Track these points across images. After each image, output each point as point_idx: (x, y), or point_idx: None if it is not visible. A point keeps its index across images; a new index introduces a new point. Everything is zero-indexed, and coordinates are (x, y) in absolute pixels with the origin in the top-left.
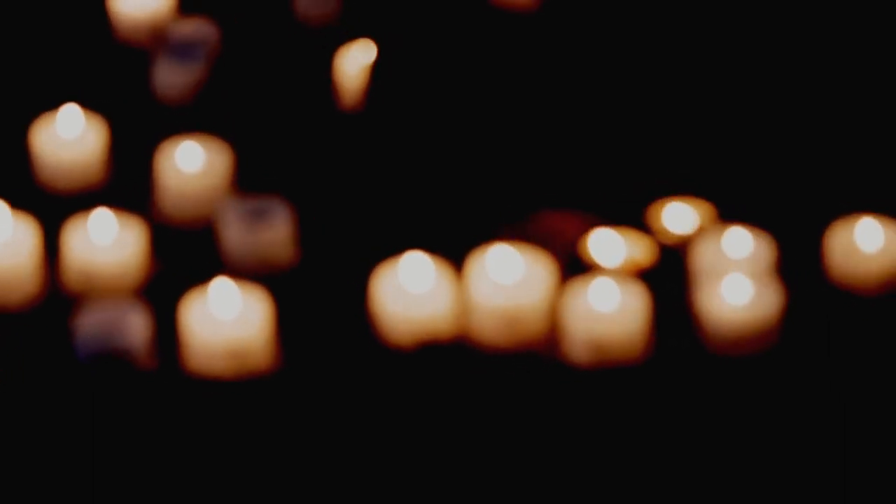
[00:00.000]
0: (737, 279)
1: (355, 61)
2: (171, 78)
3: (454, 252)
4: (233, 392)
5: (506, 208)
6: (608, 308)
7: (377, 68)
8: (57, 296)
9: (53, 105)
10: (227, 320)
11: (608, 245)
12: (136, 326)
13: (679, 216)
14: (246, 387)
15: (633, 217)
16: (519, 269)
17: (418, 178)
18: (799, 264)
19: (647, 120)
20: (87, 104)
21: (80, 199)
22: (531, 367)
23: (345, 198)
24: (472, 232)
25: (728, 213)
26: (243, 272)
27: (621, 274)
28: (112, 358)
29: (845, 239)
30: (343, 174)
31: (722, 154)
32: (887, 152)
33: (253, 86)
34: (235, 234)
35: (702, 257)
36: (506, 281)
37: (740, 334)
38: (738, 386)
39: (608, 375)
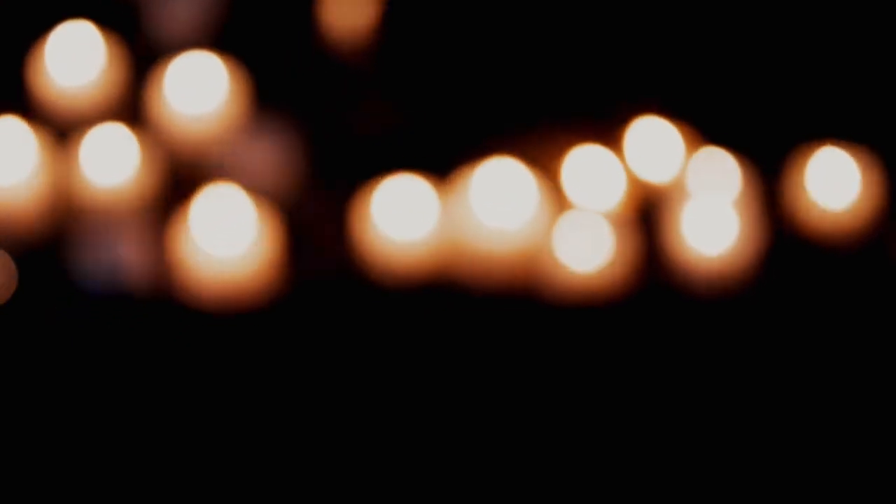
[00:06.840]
0: (707, 207)
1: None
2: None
3: (441, 170)
4: (226, 318)
5: (492, 129)
6: (587, 242)
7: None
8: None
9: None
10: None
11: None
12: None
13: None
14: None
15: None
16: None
17: (411, 102)
18: (769, 192)
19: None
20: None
21: (93, 117)
22: (512, 302)
23: (343, 119)
24: (460, 151)
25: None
26: (252, 187)
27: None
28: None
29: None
30: (342, 98)
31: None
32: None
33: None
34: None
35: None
36: (493, 200)
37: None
38: (713, 319)
39: (588, 310)
